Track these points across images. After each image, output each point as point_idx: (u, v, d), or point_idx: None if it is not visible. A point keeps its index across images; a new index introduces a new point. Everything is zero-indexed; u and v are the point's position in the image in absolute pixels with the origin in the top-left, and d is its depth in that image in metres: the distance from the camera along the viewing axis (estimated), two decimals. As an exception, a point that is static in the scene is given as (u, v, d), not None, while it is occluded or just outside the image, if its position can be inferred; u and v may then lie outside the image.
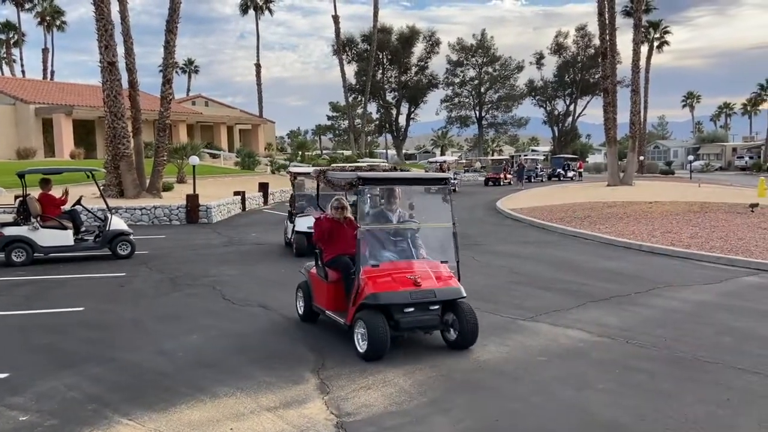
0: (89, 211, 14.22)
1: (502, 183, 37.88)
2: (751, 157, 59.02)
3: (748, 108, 77.06)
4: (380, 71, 66.02)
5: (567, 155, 54.41)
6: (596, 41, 50.88)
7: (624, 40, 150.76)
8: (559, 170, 46.48)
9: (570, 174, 46.21)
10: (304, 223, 12.00)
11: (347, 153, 52.59)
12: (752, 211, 17.16)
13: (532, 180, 42.70)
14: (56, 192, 12.52)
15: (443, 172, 31.07)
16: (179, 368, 5.89)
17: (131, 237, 12.50)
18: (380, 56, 64.39)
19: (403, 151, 73.04)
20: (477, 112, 71.22)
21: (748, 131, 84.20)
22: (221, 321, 7.60)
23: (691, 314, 7.72)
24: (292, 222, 12.91)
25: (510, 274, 10.51)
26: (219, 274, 10.58)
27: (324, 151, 66.77)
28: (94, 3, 20.09)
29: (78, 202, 12.87)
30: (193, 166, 20.10)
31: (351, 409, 4.89)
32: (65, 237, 11.87)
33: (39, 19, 59.05)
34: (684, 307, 8.10)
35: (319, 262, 6.96)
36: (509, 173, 40.59)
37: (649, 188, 29.63)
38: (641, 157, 49.04)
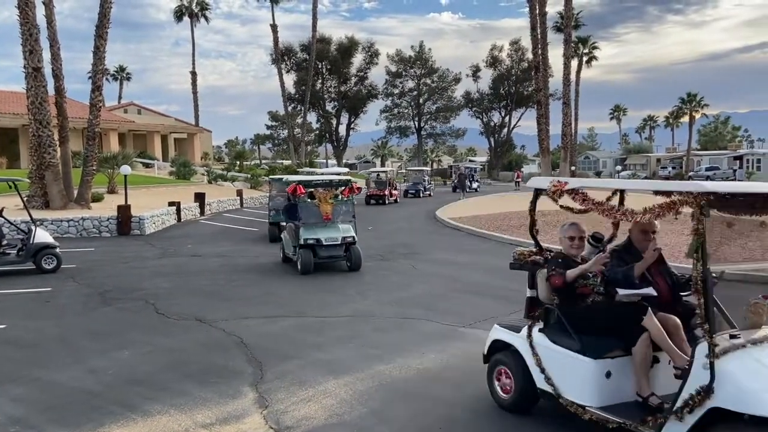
0: (11, 224, 13.49)
1: (387, 201, 32.97)
2: (673, 167, 62.03)
3: (671, 120, 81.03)
4: (320, 81, 65.97)
5: (471, 166, 55.35)
6: (529, 55, 52.76)
7: (555, 55, 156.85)
8: (465, 181, 47.23)
9: (474, 185, 47.03)
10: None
11: (287, 163, 52.06)
12: (676, 219, 18.05)
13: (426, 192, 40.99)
14: (-25, 203, 11.82)
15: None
16: (109, 386, 5.63)
17: (57, 250, 11.94)
18: (320, 66, 64.38)
19: (344, 161, 73.05)
20: (416, 123, 72.20)
21: (671, 143, 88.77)
22: (154, 336, 7.33)
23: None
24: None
25: (449, 282, 10.63)
26: (152, 287, 10.22)
27: (263, 161, 65.94)
28: (18, 6, 19.22)
29: (-1, 214, 12.19)
30: (125, 176, 19.39)
31: (291, 423, 4.80)
32: (-15, 251, 11.22)
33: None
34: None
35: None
36: (395, 189, 36.21)
37: (580, 197, 30.60)
38: (573, 167, 50.76)
